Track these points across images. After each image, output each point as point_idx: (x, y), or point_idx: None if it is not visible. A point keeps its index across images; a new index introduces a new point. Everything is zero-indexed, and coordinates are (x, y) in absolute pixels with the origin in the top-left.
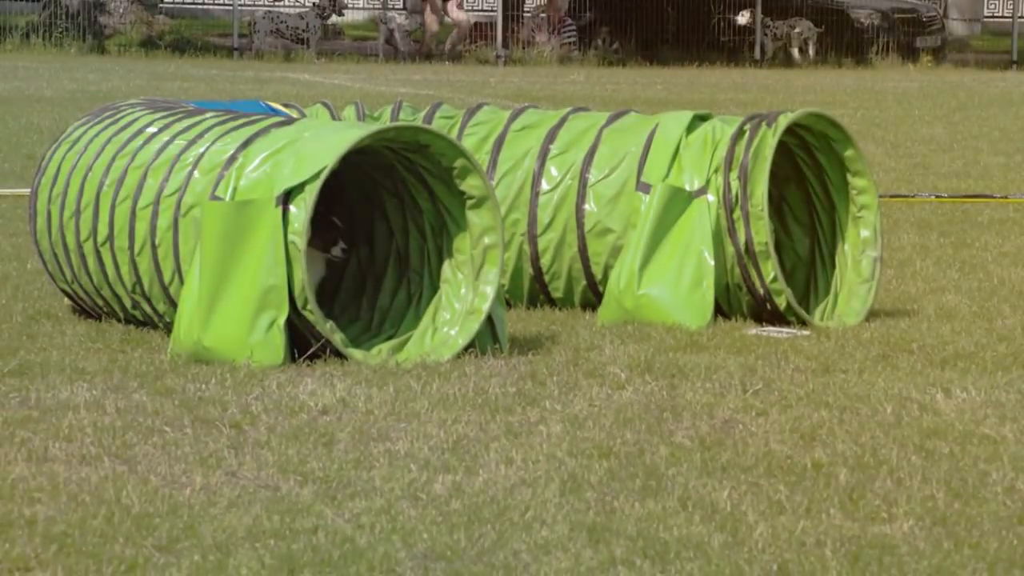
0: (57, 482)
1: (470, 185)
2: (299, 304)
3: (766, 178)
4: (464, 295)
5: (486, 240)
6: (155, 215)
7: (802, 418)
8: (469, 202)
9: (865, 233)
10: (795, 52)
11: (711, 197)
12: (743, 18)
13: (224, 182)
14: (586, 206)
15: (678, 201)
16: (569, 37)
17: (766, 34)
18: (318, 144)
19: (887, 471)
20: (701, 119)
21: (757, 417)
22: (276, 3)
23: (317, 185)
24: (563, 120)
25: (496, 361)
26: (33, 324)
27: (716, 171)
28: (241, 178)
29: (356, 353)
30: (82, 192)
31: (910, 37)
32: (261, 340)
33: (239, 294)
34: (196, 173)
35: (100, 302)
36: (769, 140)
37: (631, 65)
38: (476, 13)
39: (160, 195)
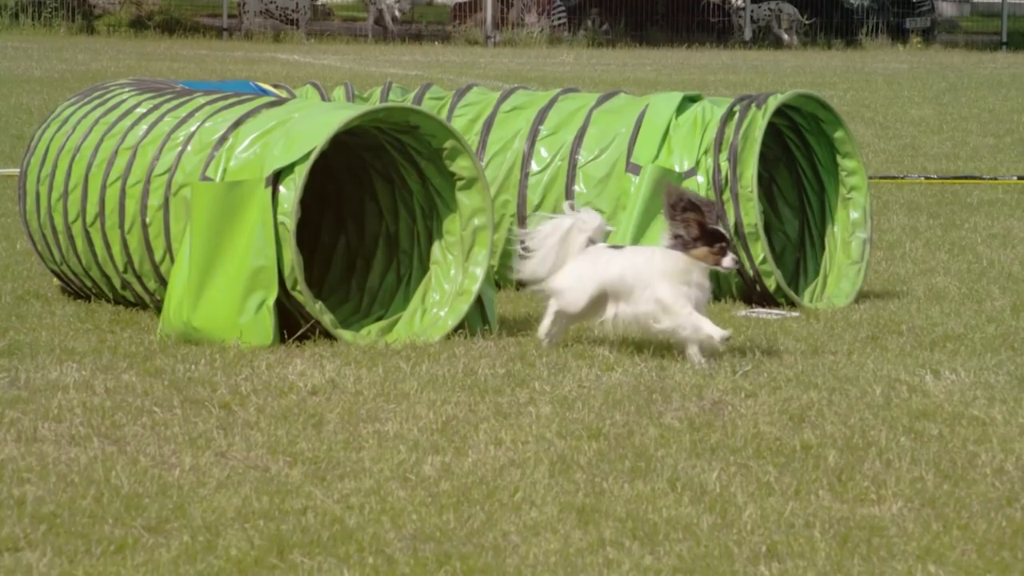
0: (46, 462)
1: (460, 166)
2: (288, 285)
3: (756, 160)
4: (454, 276)
5: (476, 221)
6: (145, 193)
7: (791, 399)
8: (459, 183)
9: (855, 215)
10: (783, 33)
11: (701, 178)
12: None
13: (214, 162)
14: (576, 187)
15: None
16: (559, 18)
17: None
18: (308, 125)
19: (876, 452)
20: (691, 100)
21: (746, 399)
22: None
23: (307, 166)
24: (553, 101)
25: (485, 342)
26: (22, 304)
27: (706, 152)
28: (231, 159)
29: (345, 334)
30: (70, 173)
31: (900, 18)
32: (250, 321)
33: (228, 275)
34: (188, 148)
35: (89, 283)
36: (759, 122)
37: (621, 46)
38: None
39: (151, 173)
